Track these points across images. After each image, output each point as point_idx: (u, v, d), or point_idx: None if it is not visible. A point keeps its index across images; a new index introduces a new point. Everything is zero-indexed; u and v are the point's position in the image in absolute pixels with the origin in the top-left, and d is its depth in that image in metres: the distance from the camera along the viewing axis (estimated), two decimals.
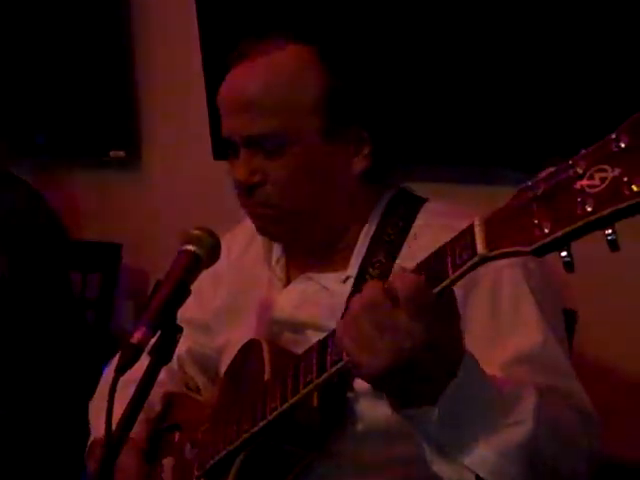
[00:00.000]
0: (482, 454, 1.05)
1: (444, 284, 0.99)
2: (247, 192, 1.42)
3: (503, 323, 1.32)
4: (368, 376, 1.05)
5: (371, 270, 1.42)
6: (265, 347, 1.41)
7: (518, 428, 1.07)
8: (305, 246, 1.51)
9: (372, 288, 1.03)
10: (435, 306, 1.00)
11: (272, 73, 1.40)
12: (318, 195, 1.43)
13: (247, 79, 1.41)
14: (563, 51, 2.04)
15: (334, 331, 1.14)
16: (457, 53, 2.21)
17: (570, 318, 1.87)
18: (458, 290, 1.29)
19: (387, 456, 1.38)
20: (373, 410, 1.33)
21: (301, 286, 1.51)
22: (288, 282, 1.54)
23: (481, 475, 1.06)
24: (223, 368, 1.57)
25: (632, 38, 1.94)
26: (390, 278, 1.03)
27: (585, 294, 2.00)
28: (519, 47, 2.10)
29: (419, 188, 1.54)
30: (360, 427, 1.36)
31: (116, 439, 1.18)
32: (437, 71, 2.25)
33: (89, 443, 1.61)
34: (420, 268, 1.03)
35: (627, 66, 1.95)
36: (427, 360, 1.01)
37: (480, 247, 0.93)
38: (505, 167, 2.11)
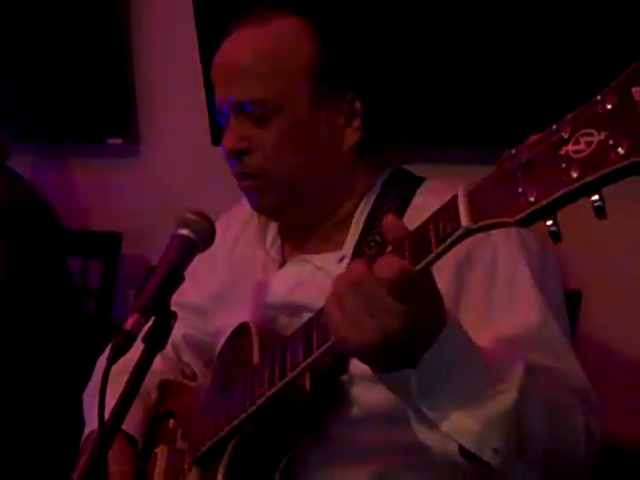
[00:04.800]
0: (463, 422, 1.03)
1: (428, 260, 0.96)
2: (235, 159, 1.41)
3: (500, 301, 1.29)
4: (353, 351, 1.04)
5: (366, 249, 1.40)
6: (254, 330, 1.39)
7: (502, 397, 1.04)
8: (300, 224, 1.49)
9: (357, 267, 1.01)
10: (420, 287, 0.98)
11: (262, 41, 1.40)
12: (307, 164, 1.41)
13: (237, 47, 1.42)
14: (558, 31, 2.02)
15: (318, 313, 1.13)
16: (456, 35, 2.19)
17: (574, 299, 1.85)
18: (453, 268, 1.29)
19: (385, 442, 1.36)
20: (368, 394, 1.31)
21: (296, 268, 1.49)
22: (283, 263, 1.52)
23: (463, 444, 1.04)
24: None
25: (617, 23, 1.92)
26: (375, 261, 1.01)
27: (589, 275, 1.99)
28: (519, 27, 2.08)
29: (420, 169, 1.51)
30: (355, 411, 1.35)
31: (110, 427, 1.16)
32: (435, 53, 2.23)
33: (85, 435, 1.59)
34: (403, 243, 1.00)
35: (616, 49, 1.93)
36: (412, 337, 1.00)
37: (464, 219, 0.90)
38: (505, 147, 2.07)
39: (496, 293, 1.30)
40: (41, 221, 2.42)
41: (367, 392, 1.31)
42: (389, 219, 1.04)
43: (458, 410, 1.03)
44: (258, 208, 1.49)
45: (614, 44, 1.94)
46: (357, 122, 1.42)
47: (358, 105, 1.41)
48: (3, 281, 2.30)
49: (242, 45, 1.41)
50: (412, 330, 0.99)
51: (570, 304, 1.79)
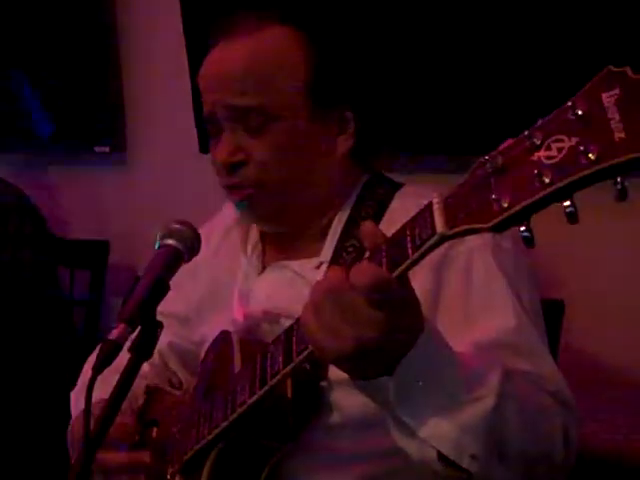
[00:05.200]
0: (441, 428, 1.03)
1: (404, 266, 0.96)
2: (229, 171, 1.40)
3: (476, 305, 1.29)
4: (331, 359, 1.04)
5: (345, 255, 1.40)
6: (235, 338, 1.40)
7: (479, 403, 1.04)
8: (281, 233, 1.49)
9: (335, 275, 1.01)
10: (397, 294, 0.98)
11: (257, 49, 1.39)
12: (302, 173, 1.41)
13: (232, 54, 1.39)
14: (543, 43, 2.04)
15: (298, 320, 1.12)
16: (444, 44, 2.20)
17: (557, 308, 1.85)
18: (429, 274, 1.29)
19: (365, 448, 1.36)
20: (347, 400, 1.31)
21: (275, 274, 1.49)
22: (264, 270, 1.52)
23: (441, 450, 1.04)
24: None
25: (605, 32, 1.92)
26: (352, 268, 1.00)
27: (572, 284, 1.99)
28: (500, 40, 2.10)
29: (403, 178, 1.51)
30: (335, 417, 1.35)
31: (95, 436, 1.15)
32: (421, 63, 2.24)
33: (72, 421, 1.58)
34: (380, 249, 1.00)
35: (590, 59, 1.94)
36: (390, 344, 1.00)
37: (439, 225, 0.91)
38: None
39: (472, 298, 1.30)
40: (28, 222, 2.41)
41: (346, 398, 1.31)
42: (366, 225, 1.04)
43: (435, 416, 1.03)
44: (250, 219, 1.48)
45: (588, 55, 1.96)
46: (350, 130, 1.43)
47: (350, 114, 1.42)
48: None
49: (236, 51, 1.39)
50: (389, 337, 0.98)
51: (553, 313, 1.80)
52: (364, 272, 0.98)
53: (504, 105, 2.12)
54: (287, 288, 1.45)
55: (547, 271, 1.92)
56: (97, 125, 2.93)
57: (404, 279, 0.99)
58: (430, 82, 2.25)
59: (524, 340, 1.26)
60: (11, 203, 2.41)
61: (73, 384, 1.71)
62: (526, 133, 0.83)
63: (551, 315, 1.76)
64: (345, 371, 1.06)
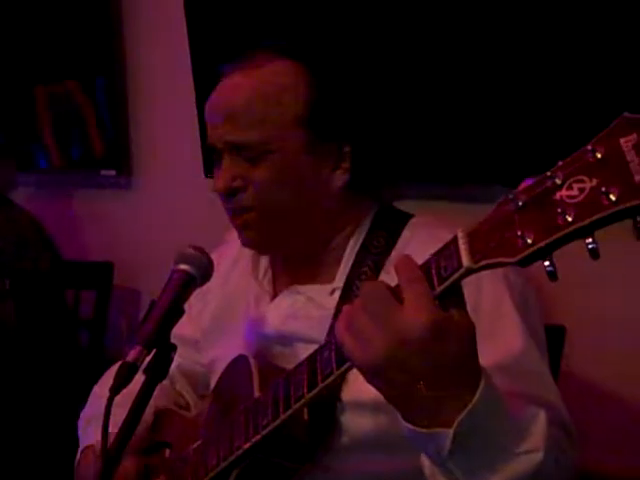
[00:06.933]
0: None
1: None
2: (228, 197, 1.44)
3: (484, 330, 1.29)
4: (363, 367, 1.02)
5: (358, 282, 1.43)
6: (253, 363, 1.42)
7: (530, 457, 1.06)
8: (291, 259, 1.53)
9: (371, 282, 1.04)
10: (436, 305, 0.99)
11: (257, 87, 1.43)
12: (296, 203, 1.44)
13: (233, 92, 1.45)
14: (553, 69, 2.07)
15: (323, 345, 1.15)
16: (446, 73, 2.23)
17: (558, 334, 1.87)
18: None
19: (376, 469, 1.37)
20: (358, 421, 1.34)
21: (288, 299, 1.52)
22: (275, 295, 1.55)
23: None
24: (213, 384, 1.58)
25: (619, 56, 1.96)
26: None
27: (573, 310, 2.01)
28: (511, 63, 2.13)
29: (412, 206, 1.55)
30: (347, 438, 1.36)
31: (113, 455, 1.19)
32: (426, 91, 2.27)
33: (80, 450, 1.59)
34: None
35: (615, 86, 1.97)
36: (426, 361, 0.99)
37: (465, 259, 0.94)
38: (498, 185, 2.10)
39: (480, 323, 1.31)
40: (46, 255, 2.44)
41: (357, 419, 1.34)
42: (403, 259, 1.03)
43: (488, 470, 1.04)
44: (248, 243, 1.51)
45: (598, 95, 1.99)
46: (346, 164, 1.45)
47: (347, 149, 1.45)
48: (13, 314, 2.32)
49: (235, 90, 1.44)
50: (423, 351, 0.98)
51: (554, 339, 1.82)
52: (408, 267, 1.00)
53: (502, 139, 2.15)
54: (301, 313, 1.48)
55: (548, 296, 1.94)
56: (103, 149, 2.95)
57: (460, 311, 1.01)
58: (428, 120, 2.28)
59: (530, 365, 1.29)
60: (31, 236, 2.44)
61: (78, 401, 1.73)
62: (548, 173, 0.87)
63: (552, 341, 1.79)
64: (388, 399, 1.04)
